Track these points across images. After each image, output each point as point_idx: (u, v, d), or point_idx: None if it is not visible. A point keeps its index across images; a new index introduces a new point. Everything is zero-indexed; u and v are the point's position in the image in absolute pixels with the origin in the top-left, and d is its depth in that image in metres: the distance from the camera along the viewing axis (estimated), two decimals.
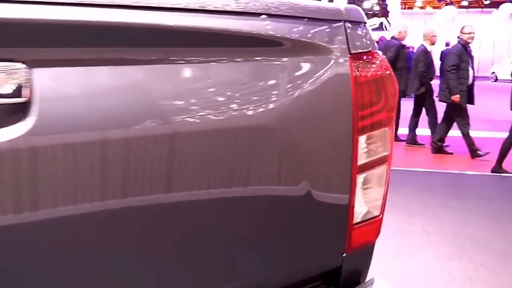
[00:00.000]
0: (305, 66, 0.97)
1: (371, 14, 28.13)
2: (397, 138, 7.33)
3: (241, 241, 0.94)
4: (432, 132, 7.06)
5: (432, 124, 7.07)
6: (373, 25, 27.52)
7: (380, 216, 1.15)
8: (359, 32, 1.06)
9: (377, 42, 13.42)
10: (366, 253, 1.15)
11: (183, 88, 0.85)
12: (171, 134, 0.81)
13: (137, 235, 0.80)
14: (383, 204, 1.15)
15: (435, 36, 7.24)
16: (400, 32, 7.37)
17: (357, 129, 1.03)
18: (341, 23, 1.02)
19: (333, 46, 1.00)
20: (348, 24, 1.03)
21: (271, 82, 0.94)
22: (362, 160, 1.07)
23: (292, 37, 0.95)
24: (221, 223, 0.91)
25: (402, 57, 7.15)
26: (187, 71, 0.86)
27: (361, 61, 1.04)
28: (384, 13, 26.13)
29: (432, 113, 7.13)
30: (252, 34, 0.91)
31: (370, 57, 1.07)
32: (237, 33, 0.89)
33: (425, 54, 6.98)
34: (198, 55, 0.86)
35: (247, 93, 0.91)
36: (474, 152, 6.41)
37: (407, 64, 7.29)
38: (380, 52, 1.12)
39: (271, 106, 0.92)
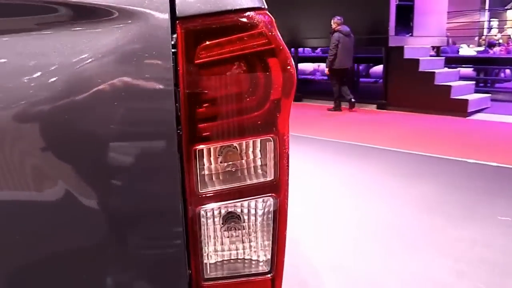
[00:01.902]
0: (78, 39, 0.64)
1: None
2: None
3: None
4: None
5: None
6: None
7: (272, 273, 0.74)
8: None
9: None
10: None
11: None
12: None
13: None
14: (277, 254, 0.73)
15: None
16: None
17: (189, 137, 0.66)
18: None
19: (133, 7, 0.64)
20: None
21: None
22: (208, 185, 0.68)
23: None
24: None
25: None
26: None
27: (204, 31, 0.65)
28: None
29: None
30: None
31: (231, 22, 0.66)
32: None
33: None
34: None
35: None
36: None
37: None
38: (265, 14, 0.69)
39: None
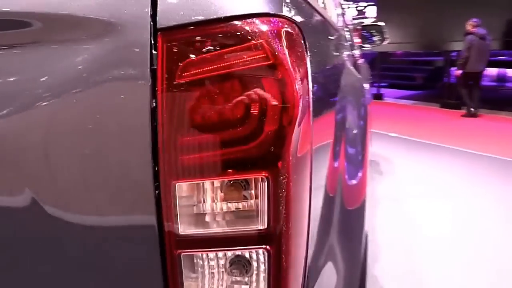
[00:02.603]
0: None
1: None
2: None
3: None
4: None
5: None
6: None
7: None
8: None
9: None
10: None
11: None
12: None
13: None
14: None
15: None
16: None
17: (167, 170, 0.56)
18: None
19: (109, 18, 0.56)
20: None
21: None
22: (192, 227, 0.57)
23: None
24: None
25: None
26: None
27: (188, 44, 0.55)
28: None
29: None
30: None
31: (222, 32, 0.54)
32: None
33: None
34: None
35: None
36: None
37: None
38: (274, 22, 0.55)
39: None
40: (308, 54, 0.63)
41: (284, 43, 0.55)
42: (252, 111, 0.54)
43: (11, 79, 0.58)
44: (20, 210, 0.59)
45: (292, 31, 0.58)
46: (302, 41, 0.61)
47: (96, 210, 0.58)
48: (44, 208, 0.59)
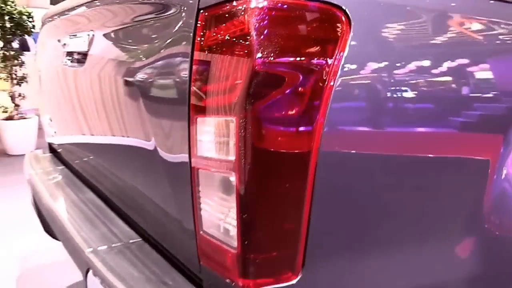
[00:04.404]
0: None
1: None
2: None
3: None
4: None
5: None
6: None
7: (236, 250, 0.76)
8: None
9: None
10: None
11: None
12: None
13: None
14: (242, 232, 0.75)
15: None
16: None
17: (193, 107, 0.81)
18: None
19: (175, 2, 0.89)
20: None
21: None
22: (203, 152, 0.81)
23: None
24: None
25: None
26: None
27: (211, 19, 0.78)
28: None
29: None
30: None
31: (228, 10, 0.75)
32: None
33: None
34: None
35: None
36: None
37: None
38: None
39: None
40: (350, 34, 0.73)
41: (260, 17, 0.70)
42: (230, 70, 0.72)
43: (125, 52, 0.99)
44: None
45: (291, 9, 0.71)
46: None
47: (163, 136, 0.91)
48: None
